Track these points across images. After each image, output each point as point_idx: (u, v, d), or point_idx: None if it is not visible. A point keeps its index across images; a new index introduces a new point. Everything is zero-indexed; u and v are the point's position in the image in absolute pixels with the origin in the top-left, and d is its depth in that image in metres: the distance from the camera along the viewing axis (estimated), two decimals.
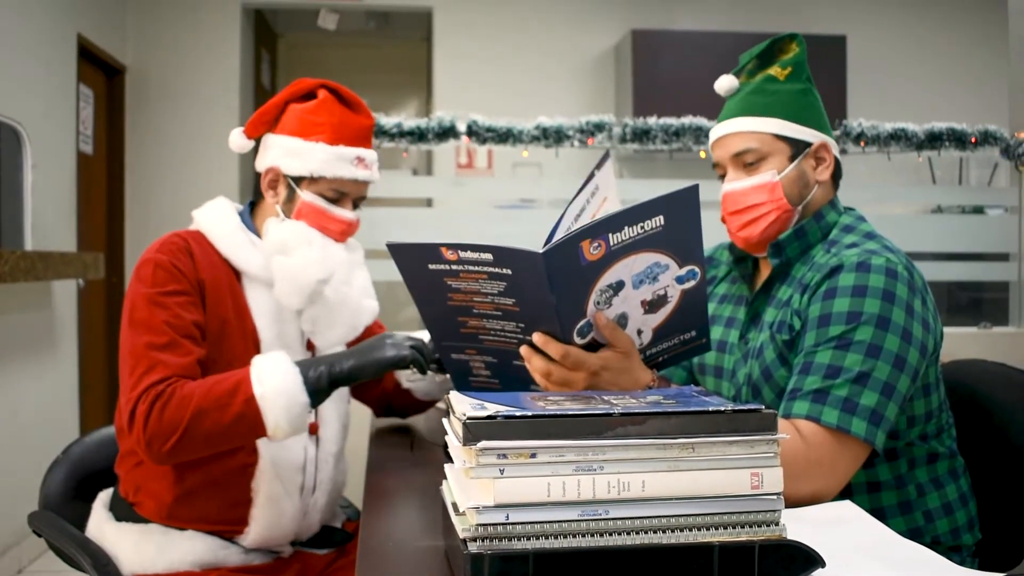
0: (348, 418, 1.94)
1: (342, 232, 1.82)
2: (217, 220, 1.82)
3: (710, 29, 6.02)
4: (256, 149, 1.89)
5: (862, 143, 4.16)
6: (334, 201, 1.80)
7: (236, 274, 1.79)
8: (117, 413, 1.77)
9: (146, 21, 5.74)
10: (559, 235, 1.26)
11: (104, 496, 1.85)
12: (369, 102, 1.90)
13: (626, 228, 1.23)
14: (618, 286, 1.28)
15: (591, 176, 1.41)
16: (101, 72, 5.37)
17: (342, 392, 1.90)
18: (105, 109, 5.44)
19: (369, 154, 1.83)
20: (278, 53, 7.77)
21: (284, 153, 1.80)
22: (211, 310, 1.72)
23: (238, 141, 1.87)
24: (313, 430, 1.82)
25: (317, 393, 1.62)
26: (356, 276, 1.85)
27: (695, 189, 1.25)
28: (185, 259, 1.73)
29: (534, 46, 6.14)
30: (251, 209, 1.89)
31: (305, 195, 1.79)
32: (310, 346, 1.85)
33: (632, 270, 1.28)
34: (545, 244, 1.21)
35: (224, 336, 1.72)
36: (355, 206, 1.85)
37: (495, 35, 6.14)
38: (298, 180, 1.80)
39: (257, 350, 1.74)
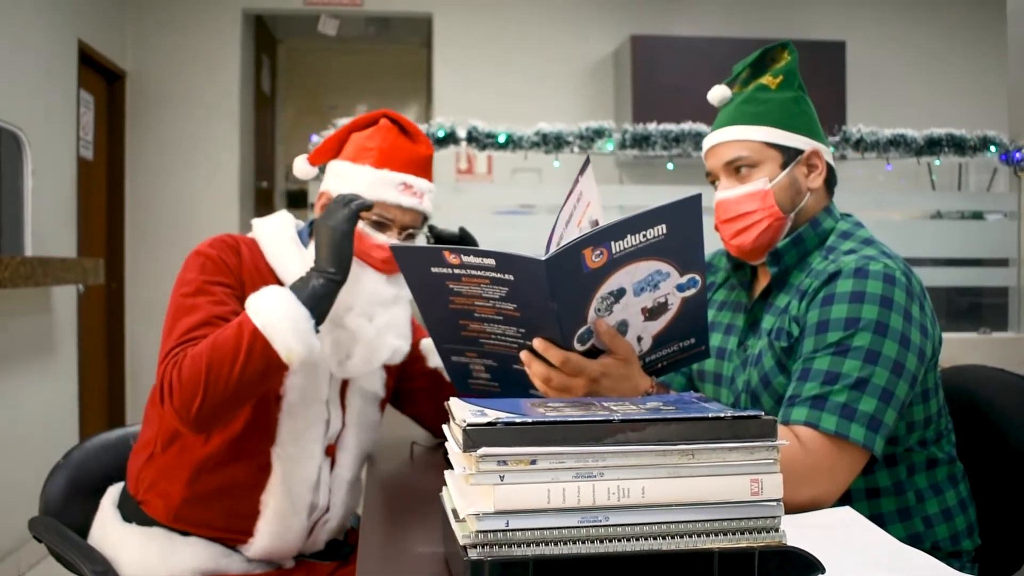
0: (372, 446, 1.91)
1: (384, 261, 1.74)
2: (272, 230, 1.82)
3: (709, 35, 6.03)
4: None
5: (861, 149, 4.17)
6: (379, 227, 1.75)
7: (280, 285, 1.78)
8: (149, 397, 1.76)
9: (146, 27, 5.75)
10: (554, 242, 1.26)
11: (113, 492, 1.85)
12: (368, 108, 1.90)
13: (628, 236, 1.23)
14: (619, 293, 1.29)
15: (576, 182, 1.42)
16: (101, 77, 5.37)
17: (369, 419, 1.87)
18: (105, 114, 5.45)
19: (419, 182, 1.78)
20: (278, 59, 7.77)
21: (334, 177, 1.80)
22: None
23: (302, 168, 1.88)
24: (330, 452, 1.81)
25: (318, 302, 1.60)
26: (387, 312, 1.77)
27: (698, 198, 1.26)
28: (232, 256, 1.74)
29: (534, 52, 6.15)
30: (311, 228, 1.87)
31: None
32: None
33: (633, 278, 1.28)
34: (546, 251, 1.21)
35: None
36: (410, 236, 1.79)
37: (495, 41, 6.14)
38: None
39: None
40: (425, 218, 1.82)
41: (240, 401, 1.60)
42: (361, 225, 1.74)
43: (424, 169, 1.82)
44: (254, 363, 1.55)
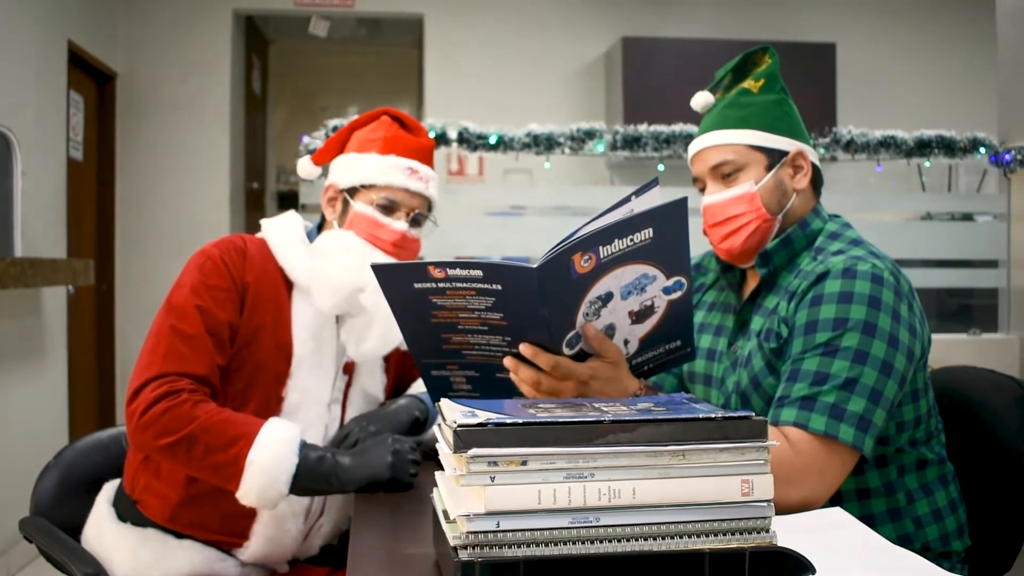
0: None
1: (394, 244, 1.78)
2: (281, 229, 1.83)
3: (700, 36, 6.03)
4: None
5: (851, 150, 4.18)
6: (386, 211, 1.79)
7: (289, 286, 1.79)
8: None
9: (137, 28, 5.73)
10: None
11: (109, 490, 1.85)
12: (360, 109, 1.91)
13: (616, 241, 1.23)
14: (607, 297, 1.29)
15: (625, 200, 1.37)
16: (92, 79, 5.35)
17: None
18: (95, 116, 5.43)
19: (423, 168, 1.83)
20: (269, 60, 7.76)
21: (341, 169, 1.84)
22: (248, 314, 1.72)
23: (306, 168, 1.92)
24: None
25: (303, 489, 1.60)
26: None
27: (684, 202, 1.26)
28: (236, 258, 1.75)
29: (525, 53, 6.15)
30: (320, 228, 1.89)
31: (357, 205, 1.80)
32: (347, 368, 1.83)
33: (621, 281, 1.28)
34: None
35: (256, 342, 1.72)
36: (415, 223, 1.83)
37: (486, 42, 6.14)
38: (352, 192, 1.81)
39: (287, 363, 1.74)
40: (431, 205, 1.85)
41: (185, 470, 1.65)
42: (369, 209, 1.79)
43: (427, 158, 1.86)
44: (218, 472, 1.59)
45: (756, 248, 1.65)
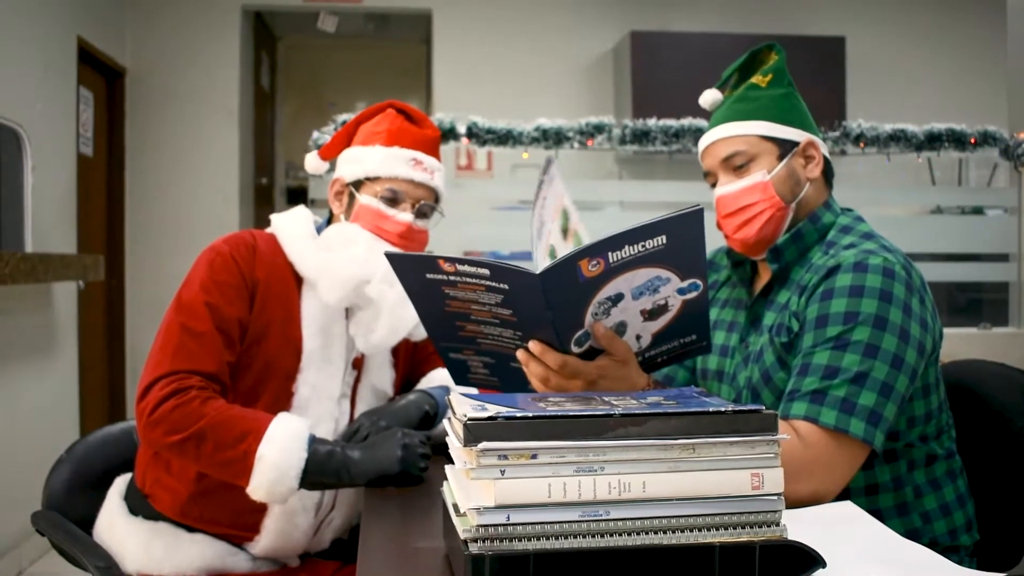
0: None
1: (400, 235, 1.78)
2: (290, 224, 1.83)
3: (709, 31, 6.02)
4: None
5: (861, 144, 4.17)
6: (391, 202, 1.80)
7: (298, 281, 1.79)
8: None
9: (146, 24, 5.74)
10: (536, 251, 1.24)
11: (120, 484, 1.86)
12: (368, 104, 1.91)
13: (627, 247, 1.21)
14: (617, 298, 1.28)
15: (540, 185, 1.37)
16: (101, 75, 5.36)
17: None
18: (105, 111, 5.44)
19: (428, 159, 1.83)
20: (277, 55, 7.77)
21: (346, 162, 1.85)
22: (258, 310, 1.73)
23: (314, 163, 1.93)
24: None
25: (313, 483, 1.61)
26: None
27: (700, 213, 1.23)
28: (246, 253, 1.75)
29: (533, 48, 6.14)
30: (329, 223, 1.90)
31: (362, 198, 1.80)
32: (356, 363, 1.84)
33: (632, 283, 1.27)
34: (532, 246, 1.20)
35: (266, 338, 1.73)
36: (421, 214, 1.83)
37: (494, 37, 6.14)
38: (358, 185, 1.82)
39: (297, 358, 1.75)
40: (437, 197, 1.86)
41: (195, 466, 1.67)
42: (374, 201, 1.79)
43: (432, 149, 1.86)
44: (228, 468, 1.61)
45: (771, 238, 1.65)
